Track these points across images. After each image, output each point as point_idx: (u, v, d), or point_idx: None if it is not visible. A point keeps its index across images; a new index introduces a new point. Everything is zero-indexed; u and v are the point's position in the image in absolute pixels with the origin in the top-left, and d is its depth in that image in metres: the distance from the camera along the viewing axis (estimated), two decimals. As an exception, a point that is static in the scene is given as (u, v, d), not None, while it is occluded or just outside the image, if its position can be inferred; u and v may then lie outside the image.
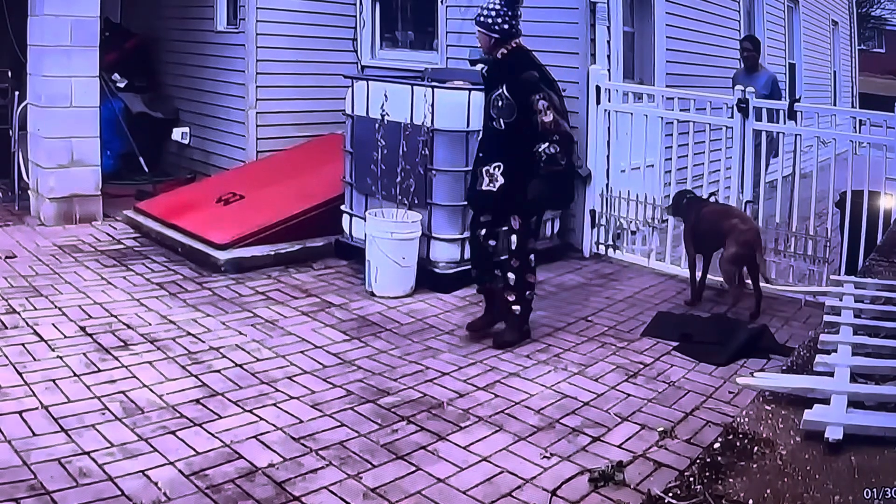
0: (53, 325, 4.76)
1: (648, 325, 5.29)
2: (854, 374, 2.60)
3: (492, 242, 4.89)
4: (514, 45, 4.80)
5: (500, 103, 4.71)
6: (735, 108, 6.07)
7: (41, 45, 6.87)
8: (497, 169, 4.76)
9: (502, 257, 4.85)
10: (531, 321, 5.05)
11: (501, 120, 4.73)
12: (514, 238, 4.81)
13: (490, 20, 4.73)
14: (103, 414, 3.72)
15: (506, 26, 4.73)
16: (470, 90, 5.94)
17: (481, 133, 5.04)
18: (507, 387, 4.30)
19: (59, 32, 6.80)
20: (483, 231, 4.92)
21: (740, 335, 5.01)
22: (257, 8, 7.82)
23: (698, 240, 5.77)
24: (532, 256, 4.93)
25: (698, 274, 5.82)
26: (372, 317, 5.28)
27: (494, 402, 4.12)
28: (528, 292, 4.93)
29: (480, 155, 4.96)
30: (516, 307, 4.89)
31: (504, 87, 4.69)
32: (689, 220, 5.83)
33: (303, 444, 3.57)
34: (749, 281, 5.61)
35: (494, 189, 4.78)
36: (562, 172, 4.70)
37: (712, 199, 6.02)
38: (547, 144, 4.56)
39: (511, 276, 4.84)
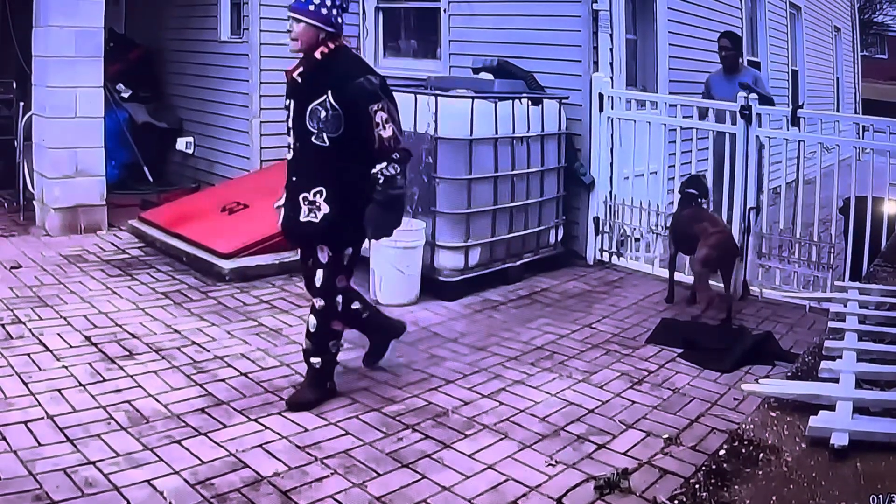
0: (59, 334, 4.76)
1: (653, 332, 5.29)
2: (859, 380, 2.60)
3: None
4: (339, 44, 3.98)
5: (323, 114, 3.85)
6: (738, 114, 6.07)
7: (45, 55, 6.90)
8: (319, 195, 3.91)
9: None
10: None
11: (325, 134, 3.87)
12: (320, 273, 4.01)
13: (325, 10, 3.88)
14: (108, 423, 3.72)
15: (339, 19, 3.95)
16: (473, 98, 5.96)
17: (292, 152, 4.05)
18: (511, 394, 4.30)
19: (64, 43, 6.82)
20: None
21: (745, 341, 5.00)
22: (261, 18, 7.85)
23: (678, 239, 5.89)
24: (340, 298, 4.07)
25: (678, 274, 6.06)
26: (376, 325, 5.28)
27: (499, 409, 4.12)
28: (331, 342, 4.11)
29: (294, 179, 4.03)
30: (316, 360, 4.09)
31: (330, 95, 3.85)
32: (674, 216, 5.99)
33: (308, 453, 3.58)
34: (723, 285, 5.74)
35: (317, 220, 3.92)
36: (401, 197, 3.96)
37: (704, 204, 6.08)
38: (385, 164, 3.82)
39: (312, 320, 4.06)
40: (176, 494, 3.18)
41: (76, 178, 6.97)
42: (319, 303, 4.03)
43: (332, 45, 3.93)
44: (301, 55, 4.01)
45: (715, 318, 5.51)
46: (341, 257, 4.02)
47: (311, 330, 4.07)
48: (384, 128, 3.83)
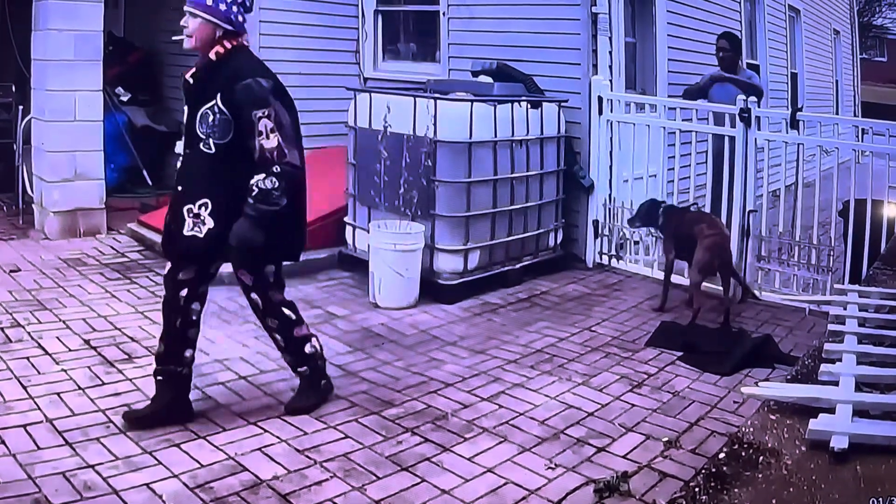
0: (58, 338, 4.76)
1: (652, 335, 5.29)
2: (859, 383, 2.60)
3: (195, 306, 3.82)
4: (237, 44, 3.69)
5: (211, 118, 3.56)
6: (737, 117, 6.07)
7: (45, 59, 6.91)
8: (204, 208, 3.60)
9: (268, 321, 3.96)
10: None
11: (212, 141, 3.57)
12: (255, 297, 3.87)
13: (224, 6, 3.61)
14: (108, 427, 3.71)
15: (240, 17, 3.67)
16: (473, 101, 5.97)
17: (181, 160, 3.77)
18: (511, 397, 4.30)
19: (63, 47, 6.83)
20: (185, 291, 3.76)
21: (745, 345, 5.00)
22: (259, 21, 7.85)
23: (679, 246, 5.85)
24: (286, 309, 3.93)
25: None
26: (376, 328, 5.28)
27: (499, 412, 4.11)
28: (305, 346, 3.98)
29: (180, 189, 3.72)
30: (302, 368, 4.02)
31: (219, 98, 3.55)
32: (670, 228, 5.91)
33: (307, 456, 3.57)
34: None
35: (201, 234, 3.62)
36: (281, 215, 3.59)
37: (693, 208, 6.09)
38: (263, 177, 3.51)
39: (278, 337, 3.96)
40: (175, 498, 3.17)
41: (75, 182, 6.97)
42: (272, 322, 3.93)
43: (228, 45, 3.65)
44: (198, 55, 3.71)
45: (714, 321, 5.52)
46: (265, 276, 3.84)
47: (283, 345, 3.98)
48: (268, 137, 3.53)
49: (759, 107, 6.15)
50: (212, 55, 3.63)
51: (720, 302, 5.64)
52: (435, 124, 5.85)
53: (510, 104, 6.22)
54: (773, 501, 1.96)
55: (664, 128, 6.57)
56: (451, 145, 5.88)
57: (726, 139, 6.21)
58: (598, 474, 3.47)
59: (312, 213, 6.63)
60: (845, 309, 3.43)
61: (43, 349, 4.58)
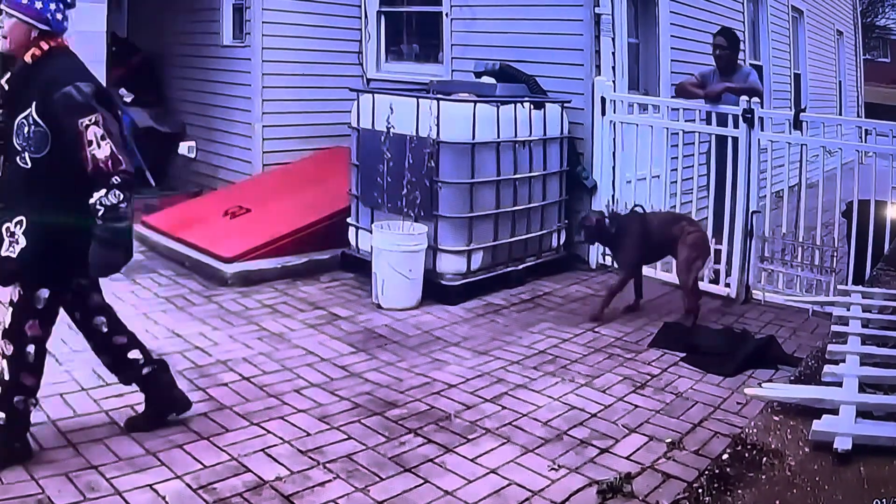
0: (61, 339, 4.74)
1: (655, 336, 5.28)
2: (862, 383, 2.60)
3: (98, 320, 3.74)
4: (55, 45, 3.37)
5: (27, 130, 3.22)
6: (740, 118, 6.07)
7: (48, 60, 6.90)
8: (19, 226, 3.27)
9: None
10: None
11: (27, 155, 3.24)
12: (8, 314, 3.36)
13: (40, 3, 3.31)
14: (111, 428, 3.72)
15: (58, 15, 3.37)
16: (476, 102, 5.97)
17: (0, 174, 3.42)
18: (514, 398, 4.30)
19: (67, 48, 6.82)
20: (77, 313, 3.65)
21: (748, 346, 5.00)
22: (263, 22, 7.86)
23: (652, 251, 5.81)
24: (32, 349, 3.37)
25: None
26: (379, 329, 5.28)
27: (502, 413, 4.11)
28: (17, 397, 3.35)
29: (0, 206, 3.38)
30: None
31: (34, 108, 3.22)
32: (633, 235, 5.69)
33: (310, 457, 3.57)
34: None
35: (14, 255, 3.27)
36: (127, 230, 3.33)
37: (637, 209, 5.95)
38: (105, 192, 3.17)
39: (3, 364, 3.36)
40: (178, 499, 3.18)
41: (79, 183, 6.96)
42: (8, 348, 3.34)
43: (45, 47, 3.33)
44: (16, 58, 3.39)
45: (717, 322, 5.51)
46: (32, 299, 3.35)
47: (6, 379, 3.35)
48: (99, 146, 3.17)
49: (761, 107, 6.14)
50: (27, 58, 3.32)
51: (723, 303, 5.63)
52: (438, 125, 5.85)
53: (513, 105, 6.22)
54: (777, 502, 1.96)
55: (667, 128, 6.57)
56: (454, 146, 5.88)
57: (729, 140, 6.21)
58: (602, 475, 3.47)
59: (315, 213, 6.72)
60: (849, 310, 3.43)
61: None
